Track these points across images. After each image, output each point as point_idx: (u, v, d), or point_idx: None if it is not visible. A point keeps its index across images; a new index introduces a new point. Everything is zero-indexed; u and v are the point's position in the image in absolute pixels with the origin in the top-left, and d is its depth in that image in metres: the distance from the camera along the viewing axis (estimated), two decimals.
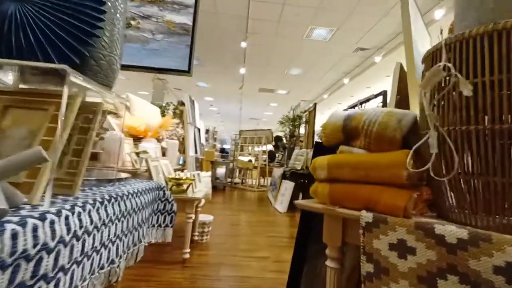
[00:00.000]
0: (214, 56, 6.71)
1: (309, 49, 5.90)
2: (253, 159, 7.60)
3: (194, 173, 2.43)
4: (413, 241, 0.63)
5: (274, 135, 7.81)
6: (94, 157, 2.24)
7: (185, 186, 2.17)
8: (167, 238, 1.14)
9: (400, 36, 5.21)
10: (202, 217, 2.69)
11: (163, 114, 3.50)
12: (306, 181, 4.34)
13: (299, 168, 4.55)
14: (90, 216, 0.55)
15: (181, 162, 4.58)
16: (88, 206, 0.54)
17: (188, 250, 2.07)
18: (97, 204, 0.57)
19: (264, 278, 1.91)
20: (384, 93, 2.68)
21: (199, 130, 4.93)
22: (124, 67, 1.14)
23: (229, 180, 7.68)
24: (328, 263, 0.86)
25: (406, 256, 0.64)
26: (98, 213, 0.56)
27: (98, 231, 0.56)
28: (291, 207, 4.52)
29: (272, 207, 4.80)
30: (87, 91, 0.72)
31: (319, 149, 1.12)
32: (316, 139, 5.09)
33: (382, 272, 0.67)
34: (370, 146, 0.87)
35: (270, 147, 8.21)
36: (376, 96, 2.84)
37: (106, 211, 0.60)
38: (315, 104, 4.85)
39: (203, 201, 2.85)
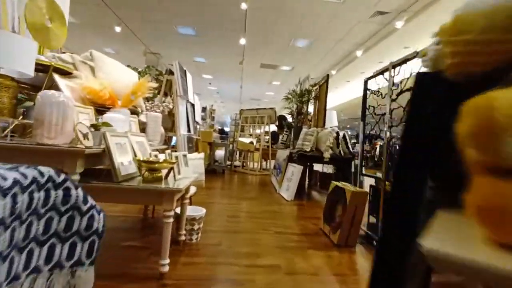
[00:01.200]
0: (212, 23, 5.94)
1: (319, 14, 5.13)
2: (254, 140, 6.98)
3: (177, 154, 1.81)
4: None
5: (278, 114, 7.15)
6: (24, 128, 1.62)
7: (163, 172, 1.56)
8: (82, 287, 0.54)
9: None
10: (192, 211, 2.11)
11: None
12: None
13: (308, 149, 3.93)
14: None
15: (173, 142, 3.96)
16: None
17: (167, 260, 1.49)
18: None
19: None
20: None
21: (192, 105, 4.28)
22: None
23: (228, 163, 7.10)
24: None
25: None
26: None
27: None
28: (299, 193, 3.94)
29: (277, 193, 4.23)
30: None
31: (427, 91, 0.48)
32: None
33: None
34: None
35: (273, 127, 7.57)
36: (417, 53, 2.17)
37: None
38: (327, 76, 4.16)
39: (193, 189, 2.26)
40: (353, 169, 3.93)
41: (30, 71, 1.47)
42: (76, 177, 1.31)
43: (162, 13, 5.68)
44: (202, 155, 2.49)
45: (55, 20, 1.72)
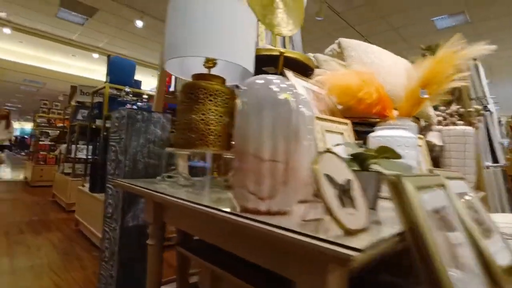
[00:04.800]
0: None
1: None
2: None
3: None
4: None
5: None
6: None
7: None
8: None
9: None
10: None
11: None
12: None
13: None
14: None
15: None
16: None
17: None
18: None
19: None
20: None
21: (490, 114, 2.56)
22: None
23: None
24: None
25: None
26: None
27: None
28: None
29: None
30: None
31: None
32: None
33: None
34: None
35: None
36: None
37: None
38: None
39: None
40: None
41: (249, 66, 0.83)
42: None
43: (413, 10, 4.42)
44: None
45: None
